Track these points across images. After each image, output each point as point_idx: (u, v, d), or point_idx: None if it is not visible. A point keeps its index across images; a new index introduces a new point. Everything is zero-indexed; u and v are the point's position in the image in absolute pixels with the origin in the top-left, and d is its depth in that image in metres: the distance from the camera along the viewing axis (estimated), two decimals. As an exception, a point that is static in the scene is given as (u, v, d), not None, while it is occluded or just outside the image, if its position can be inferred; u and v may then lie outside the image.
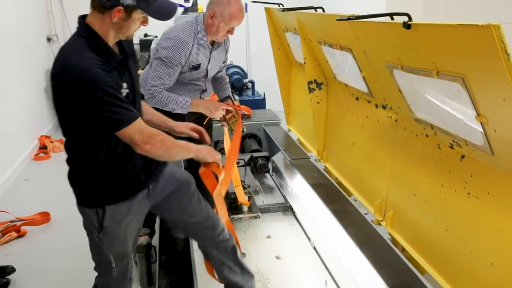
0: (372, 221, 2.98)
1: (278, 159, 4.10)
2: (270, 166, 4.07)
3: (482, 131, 1.87)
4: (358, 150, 3.26)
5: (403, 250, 2.72)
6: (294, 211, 3.69)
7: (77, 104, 1.80)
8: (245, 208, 3.30)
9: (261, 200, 3.64)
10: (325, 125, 3.97)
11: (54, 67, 1.89)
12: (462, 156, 2.19)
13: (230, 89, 3.67)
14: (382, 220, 2.98)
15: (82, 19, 1.93)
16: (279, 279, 2.84)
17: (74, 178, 2.12)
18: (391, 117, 2.85)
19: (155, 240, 3.12)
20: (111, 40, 1.93)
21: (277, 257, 3.09)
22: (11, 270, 3.39)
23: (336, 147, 3.77)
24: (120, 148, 2.00)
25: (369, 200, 3.19)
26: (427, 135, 2.47)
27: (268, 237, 3.33)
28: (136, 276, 3.20)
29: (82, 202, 2.11)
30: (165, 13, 1.93)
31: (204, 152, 2.19)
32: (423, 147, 2.52)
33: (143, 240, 3.08)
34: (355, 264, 2.68)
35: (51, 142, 6.17)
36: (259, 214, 3.35)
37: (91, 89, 1.76)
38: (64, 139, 2.06)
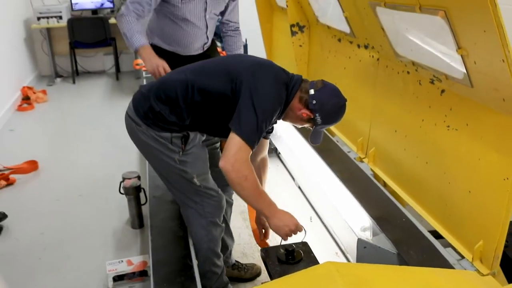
0: (355, 158, 3.04)
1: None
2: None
3: (463, 64, 1.93)
4: (341, 91, 3.29)
5: (385, 184, 2.80)
6: (279, 153, 3.78)
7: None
8: None
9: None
10: (307, 68, 3.99)
11: None
12: (442, 91, 2.25)
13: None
14: (364, 157, 3.03)
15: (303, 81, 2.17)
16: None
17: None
18: (373, 56, 2.89)
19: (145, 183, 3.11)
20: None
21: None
22: (3, 216, 3.40)
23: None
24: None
25: (351, 139, 3.25)
26: (408, 72, 2.52)
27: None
28: (129, 218, 3.28)
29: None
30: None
31: (277, 221, 1.95)
32: (404, 84, 2.58)
33: (132, 182, 3.10)
34: (339, 199, 2.75)
35: (34, 93, 6.09)
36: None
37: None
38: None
